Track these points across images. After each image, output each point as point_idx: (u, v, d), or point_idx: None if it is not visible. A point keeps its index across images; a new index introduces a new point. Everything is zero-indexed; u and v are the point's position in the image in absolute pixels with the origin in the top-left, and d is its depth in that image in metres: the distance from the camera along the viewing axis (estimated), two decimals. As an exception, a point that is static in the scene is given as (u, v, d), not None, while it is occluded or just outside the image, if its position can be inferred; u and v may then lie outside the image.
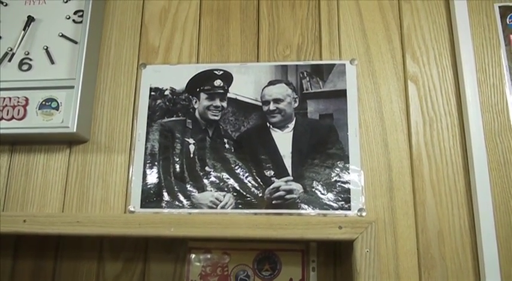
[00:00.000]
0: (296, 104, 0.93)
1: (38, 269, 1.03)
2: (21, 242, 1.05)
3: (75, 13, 0.99)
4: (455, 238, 0.83)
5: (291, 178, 0.88)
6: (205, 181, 0.90)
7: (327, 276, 0.99)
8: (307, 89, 0.93)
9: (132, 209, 0.90)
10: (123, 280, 1.01)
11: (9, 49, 0.97)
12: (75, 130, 0.89)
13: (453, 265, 0.82)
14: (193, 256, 1.02)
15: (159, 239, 1.00)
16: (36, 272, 1.03)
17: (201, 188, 0.90)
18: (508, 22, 0.93)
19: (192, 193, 0.89)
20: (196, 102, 0.95)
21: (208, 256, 1.02)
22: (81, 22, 0.97)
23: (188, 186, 0.90)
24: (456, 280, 0.81)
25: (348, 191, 0.87)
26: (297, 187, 0.88)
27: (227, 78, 0.95)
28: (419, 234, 0.84)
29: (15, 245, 1.05)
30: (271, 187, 0.88)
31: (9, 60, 0.96)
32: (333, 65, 0.94)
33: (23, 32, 0.97)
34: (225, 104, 0.94)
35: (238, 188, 0.89)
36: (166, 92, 0.96)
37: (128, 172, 0.92)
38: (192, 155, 0.92)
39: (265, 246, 1.01)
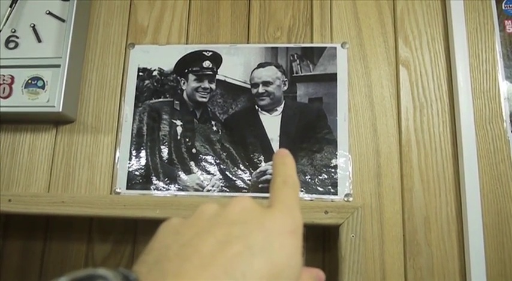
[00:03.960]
0: (285, 87, 0.91)
1: (27, 249, 1.03)
2: (11, 222, 1.05)
3: (63, -10, 0.97)
4: (442, 225, 0.83)
5: (278, 161, 0.87)
6: (192, 163, 0.89)
7: (315, 261, 0.98)
8: (297, 72, 0.92)
9: (118, 190, 0.89)
10: (112, 262, 1.01)
11: (-4, 26, 0.95)
12: (61, 110, 0.87)
13: (438, 251, 0.82)
14: (181, 238, 1.02)
15: (145, 220, 1.00)
16: (26, 252, 1.03)
17: (188, 171, 0.89)
18: (503, 7, 0.91)
19: (179, 175, 0.89)
20: (184, 83, 0.93)
21: (197, 239, 1.02)
22: (68, 0, 0.95)
23: (175, 168, 0.89)
24: (441, 267, 0.81)
25: (336, 176, 0.86)
26: (284, 170, 0.86)
27: (216, 59, 0.94)
28: (405, 220, 0.83)
29: (5, 225, 1.04)
30: (258, 170, 0.88)
31: (-5, 38, 0.94)
32: (324, 48, 0.92)
33: (9, 9, 0.95)
34: (213, 85, 0.92)
35: (225, 171, 0.88)
36: (155, 73, 0.94)
37: (115, 153, 0.92)
38: (179, 137, 0.91)
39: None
